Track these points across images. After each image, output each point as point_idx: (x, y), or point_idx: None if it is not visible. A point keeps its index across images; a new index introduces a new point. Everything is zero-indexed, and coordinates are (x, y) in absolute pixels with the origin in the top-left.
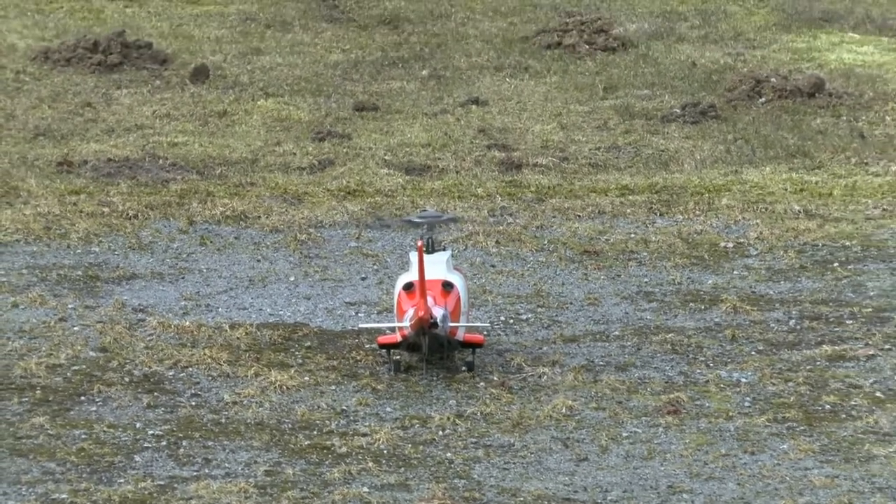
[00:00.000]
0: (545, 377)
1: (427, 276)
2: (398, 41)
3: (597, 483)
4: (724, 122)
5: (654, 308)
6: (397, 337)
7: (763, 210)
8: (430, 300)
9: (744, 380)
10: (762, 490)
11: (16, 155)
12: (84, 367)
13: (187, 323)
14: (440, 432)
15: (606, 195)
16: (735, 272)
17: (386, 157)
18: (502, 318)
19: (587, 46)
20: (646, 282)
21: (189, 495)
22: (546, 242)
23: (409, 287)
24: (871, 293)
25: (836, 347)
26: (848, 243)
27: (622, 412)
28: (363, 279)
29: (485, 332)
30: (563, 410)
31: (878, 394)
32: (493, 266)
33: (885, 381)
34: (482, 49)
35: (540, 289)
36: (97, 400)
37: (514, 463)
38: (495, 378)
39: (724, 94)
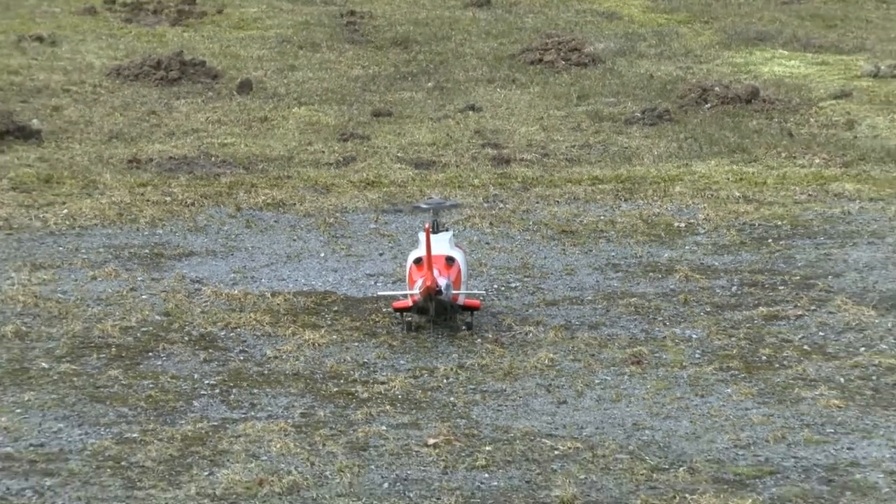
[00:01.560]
0: (531, 335)
1: (433, 252)
2: (408, 59)
3: (574, 422)
4: (676, 123)
5: (620, 277)
6: (409, 302)
7: (709, 196)
8: (435, 272)
9: (694, 336)
10: (710, 426)
11: (94, 154)
12: (151, 328)
13: (236, 291)
14: (445, 380)
15: (580, 184)
16: (686, 247)
17: (398, 154)
18: (495, 287)
19: (563, 62)
20: (613, 255)
21: (238, 433)
22: (531, 223)
23: (418, 261)
24: (800, 264)
25: (771, 309)
26: (779, 223)
27: (594, 363)
28: (380, 255)
29: (481, 298)
30: (546, 362)
31: (805, 347)
32: (487, 243)
33: (811, 337)
34: (477, 65)
35: (526, 262)
36: (162, 355)
37: (505, 405)
38: (490, 335)
39: (676, 101)
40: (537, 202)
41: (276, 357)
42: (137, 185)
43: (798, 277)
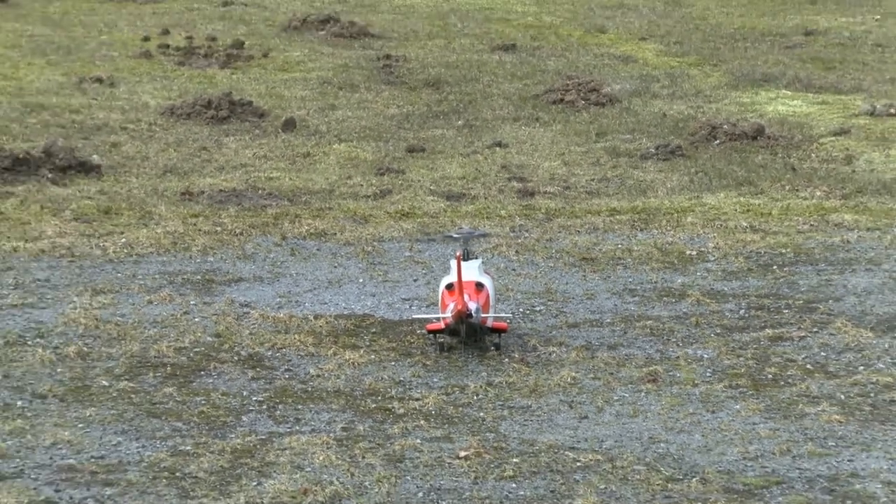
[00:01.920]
0: (554, 355)
1: (464, 278)
2: (439, 99)
3: (595, 435)
4: (688, 158)
5: (637, 301)
6: (442, 325)
7: (719, 226)
8: (466, 296)
9: (706, 356)
10: (721, 440)
11: (149, 187)
12: (203, 349)
13: (281, 315)
14: (475, 397)
15: (599, 215)
16: (698, 273)
17: (431, 187)
18: (521, 310)
19: (583, 102)
20: (630, 281)
21: (284, 446)
22: (553, 251)
23: (450, 286)
24: (802, 289)
25: (776, 330)
26: (784, 251)
27: (613, 381)
28: (415, 280)
29: (508, 321)
30: (568, 380)
31: (808, 366)
32: (513, 270)
33: (813, 357)
34: (504, 104)
35: (549, 287)
36: (213, 374)
37: (531, 420)
38: (516, 355)
39: (687, 138)
40: (559, 232)
41: (318, 375)
42: (190, 216)
43: (801, 301)
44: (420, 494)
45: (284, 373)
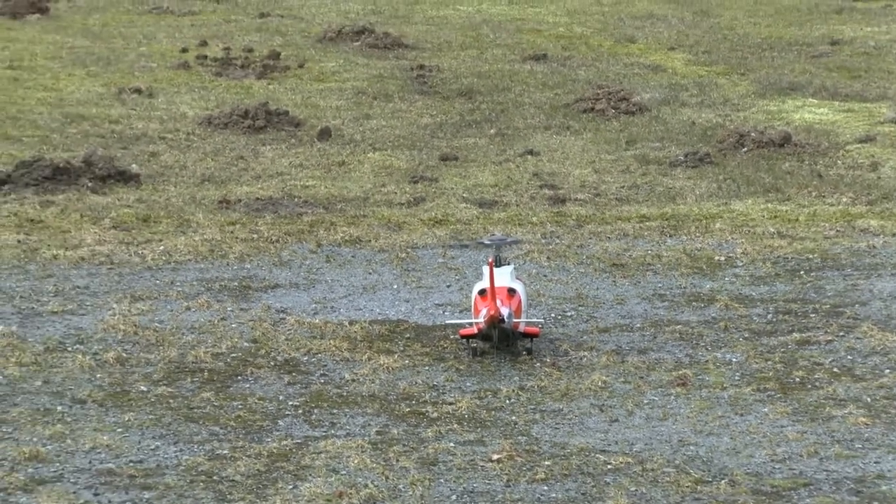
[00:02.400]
0: (585, 359)
1: (496, 284)
2: (472, 108)
3: (625, 438)
4: (716, 166)
5: (666, 306)
6: (475, 330)
7: (747, 232)
8: (498, 302)
9: (734, 360)
10: (749, 442)
11: (187, 195)
12: (240, 354)
13: (317, 320)
14: (507, 401)
15: (629, 222)
16: (726, 279)
17: (464, 195)
18: (552, 315)
19: (613, 111)
20: (659, 286)
21: (319, 450)
22: (584, 257)
23: (482, 292)
24: (829, 294)
25: (803, 335)
26: (810, 256)
27: (643, 385)
28: (448, 286)
29: (540, 326)
30: (599, 384)
31: (835, 369)
32: (545, 276)
33: (840, 360)
34: (535, 113)
35: (580, 293)
36: (250, 379)
37: (562, 423)
38: (548, 360)
39: (716, 145)
40: (590, 238)
41: (353, 380)
42: (227, 224)
43: (828, 306)
44: (453, 497)
45: (320, 377)
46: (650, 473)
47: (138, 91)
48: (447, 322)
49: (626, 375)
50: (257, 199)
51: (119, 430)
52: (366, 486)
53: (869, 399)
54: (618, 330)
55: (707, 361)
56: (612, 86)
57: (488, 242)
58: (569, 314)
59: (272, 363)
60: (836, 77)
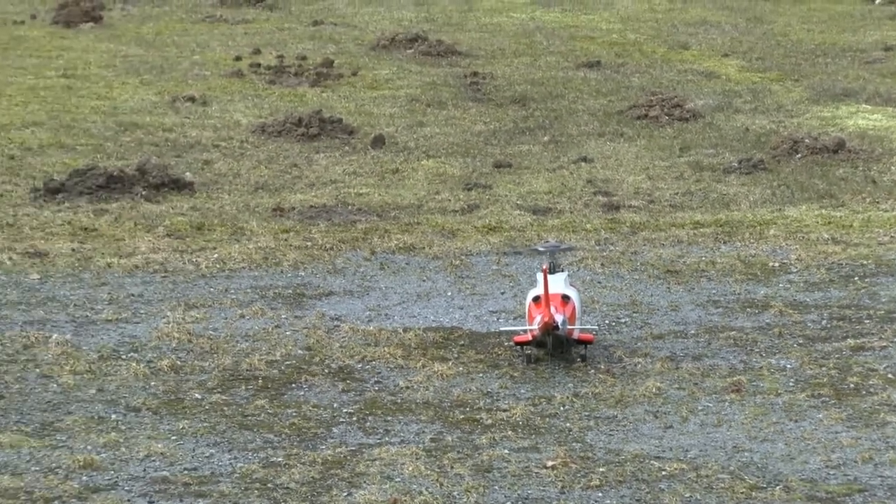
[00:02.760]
0: (639, 365)
1: (550, 291)
2: (526, 115)
3: (680, 445)
4: (770, 172)
5: (720, 312)
6: (529, 336)
7: (801, 238)
8: (553, 309)
9: (788, 366)
10: (804, 449)
11: (241, 203)
12: (294, 362)
13: (371, 328)
14: (561, 408)
15: (683, 228)
16: (780, 285)
17: (517, 202)
18: (607, 322)
19: (667, 117)
20: (713, 293)
21: (374, 458)
22: (638, 264)
23: (537, 299)
24: (883, 300)
25: (858, 340)
26: (865, 262)
27: (697, 391)
28: (502, 293)
29: (594, 332)
30: (654, 390)
31: (889, 375)
32: (599, 283)
33: (894, 366)
34: (588, 120)
35: (634, 299)
36: (304, 386)
37: (617, 430)
38: (602, 366)
39: (769, 152)
40: (644, 245)
41: (407, 387)
42: (281, 232)
43: (882, 312)
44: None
45: (374, 385)
46: (705, 480)
47: (192, 99)
48: (501, 329)
49: (681, 382)
50: (311, 206)
51: (173, 437)
52: (420, 493)
53: None
54: (672, 336)
55: (761, 368)
56: (665, 92)
57: (542, 249)
58: (623, 321)
59: (326, 371)
60: (890, 83)
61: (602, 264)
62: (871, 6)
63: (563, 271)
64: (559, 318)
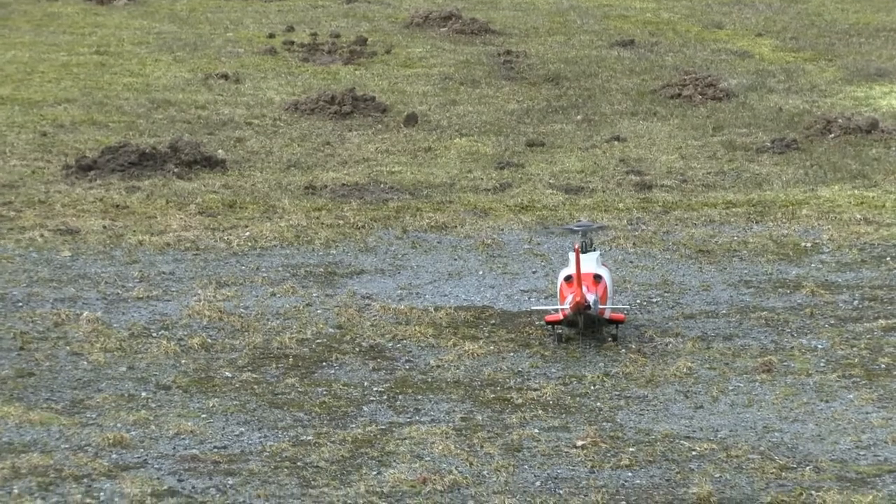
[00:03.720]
0: (670, 345)
1: (582, 270)
2: (559, 94)
3: (710, 425)
4: (803, 152)
5: (752, 292)
6: (560, 316)
7: (833, 218)
8: (584, 288)
9: (820, 346)
10: (834, 429)
11: (273, 181)
12: (325, 340)
13: (402, 306)
14: (592, 387)
15: (715, 208)
16: (812, 265)
17: (550, 181)
18: (638, 301)
19: (700, 97)
20: (745, 273)
21: (404, 436)
22: (670, 244)
23: (568, 278)
24: None
25: (890, 321)
26: None
27: (728, 371)
28: (534, 272)
29: (625, 312)
30: (684, 370)
31: None
32: (630, 262)
33: None
34: (622, 99)
35: (666, 279)
36: (335, 365)
37: (647, 410)
38: (633, 346)
39: (802, 132)
40: (676, 224)
41: (438, 366)
42: (313, 210)
43: None
44: (538, 483)
45: (405, 364)
46: (735, 460)
47: (225, 77)
48: (533, 308)
49: (712, 362)
50: (343, 184)
51: (203, 415)
52: (450, 472)
53: None
54: (703, 316)
55: (792, 348)
56: (699, 72)
57: (575, 228)
58: (654, 300)
59: (357, 349)
60: None
61: (634, 244)
62: None
63: (595, 250)
64: (591, 298)
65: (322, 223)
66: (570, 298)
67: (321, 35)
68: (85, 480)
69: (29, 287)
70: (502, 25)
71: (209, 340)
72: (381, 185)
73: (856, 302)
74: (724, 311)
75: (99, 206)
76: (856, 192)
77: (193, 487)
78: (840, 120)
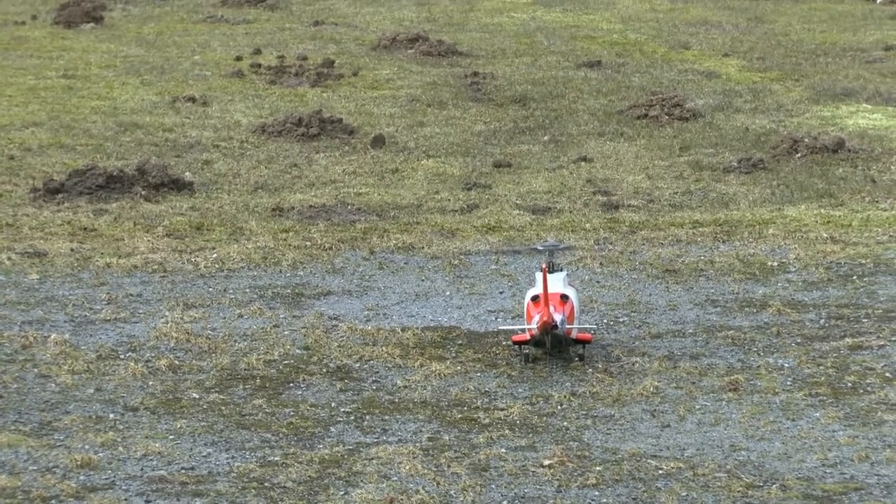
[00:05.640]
0: (637, 364)
1: (549, 290)
2: (526, 115)
3: (677, 444)
4: (770, 172)
5: (719, 312)
6: (527, 336)
7: (799, 237)
8: (551, 308)
9: (786, 365)
10: (801, 447)
11: (241, 203)
12: (292, 361)
13: (369, 327)
14: (559, 407)
15: (682, 227)
16: (779, 284)
17: (517, 202)
18: (605, 321)
19: (667, 117)
20: (712, 292)
21: (371, 457)
22: (637, 264)
23: (535, 298)
24: (882, 298)
25: (856, 339)
26: (864, 261)
27: (695, 390)
28: (501, 293)
29: (592, 332)
30: (651, 389)
31: (887, 374)
32: (597, 282)
33: (892, 365)
34: (589, 120)
35: (633, 299)
36: (302, 386)
37: (614, 429)
38: (600, 365)
39: (769, 151)
40: (643, 244)
41: (405, 386)
42: (280, 232)
43: (880, 311)
44: (504, 503)
45: (372, 384)
46: (702, 478)
47: (192, 99)
48: (500, 328)
49: (678, 381)
50: (311, 206)
51: (171, 437)
52: (417, 492)
53: None
54: (670, 336)
55: (759, 367)
56: (665, 92)
57: (541, 248)
58: (621, 320)
59: (324, 370)
60: (891, 82)
61: (601, 264)
62: (872, 6)
63: (561, 270)
64: (558, 318)
65: (289, 245)
66: (537, 318)
67: (288, 58)
68: (53, 502)
69: None
70: (469, 47)
71: (177, 362)
72: (349, 207)
73: (822, 321)
74: (690, 331)
75: (67, 228)
76: (822, 211)
77: None
78: (807, 139)
